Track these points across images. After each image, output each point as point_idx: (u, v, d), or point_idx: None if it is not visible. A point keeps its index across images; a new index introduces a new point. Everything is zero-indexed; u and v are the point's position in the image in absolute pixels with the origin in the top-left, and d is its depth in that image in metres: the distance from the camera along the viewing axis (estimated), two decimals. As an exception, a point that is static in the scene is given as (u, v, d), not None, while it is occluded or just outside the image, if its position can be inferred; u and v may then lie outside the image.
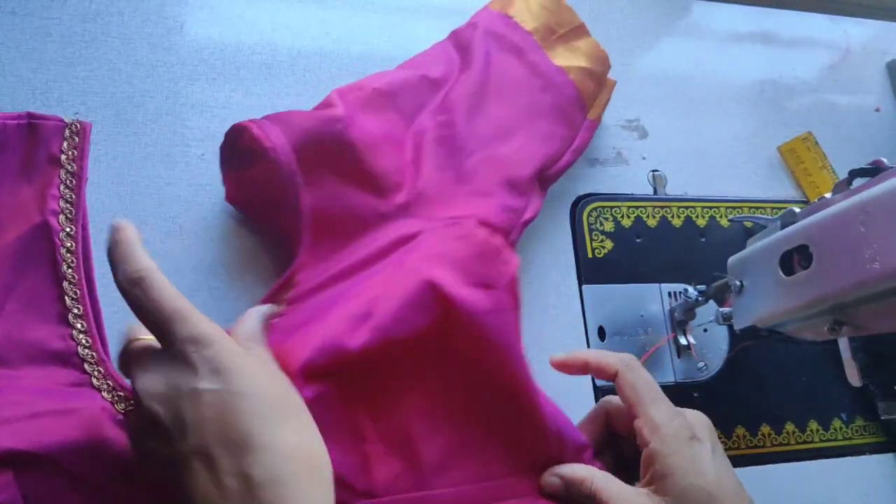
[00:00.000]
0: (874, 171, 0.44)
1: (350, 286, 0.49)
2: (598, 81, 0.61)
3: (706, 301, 0.57)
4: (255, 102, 0.57)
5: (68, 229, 0.46)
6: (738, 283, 0.51)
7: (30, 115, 0.47)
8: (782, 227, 0.49)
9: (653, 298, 0.61)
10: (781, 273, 0.47)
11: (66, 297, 0.45)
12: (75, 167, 0.48)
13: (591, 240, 0.62)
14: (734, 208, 0.67)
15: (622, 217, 0.63)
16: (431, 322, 0.46)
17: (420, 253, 0.48)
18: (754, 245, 0.51)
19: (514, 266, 0.47)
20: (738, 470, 0.58)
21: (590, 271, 0.61)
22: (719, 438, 0.58)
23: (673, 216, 0.65)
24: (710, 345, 0.61)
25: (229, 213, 0.53)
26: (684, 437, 0.44)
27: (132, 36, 0.56)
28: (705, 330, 0.61)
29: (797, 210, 0.49)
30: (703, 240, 0.65)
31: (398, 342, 0.45)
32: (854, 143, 0.75)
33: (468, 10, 0.61)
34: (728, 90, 0.73)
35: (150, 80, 0.55)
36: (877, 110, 0.78)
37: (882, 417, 0.62)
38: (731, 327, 0.56)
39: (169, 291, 0.36)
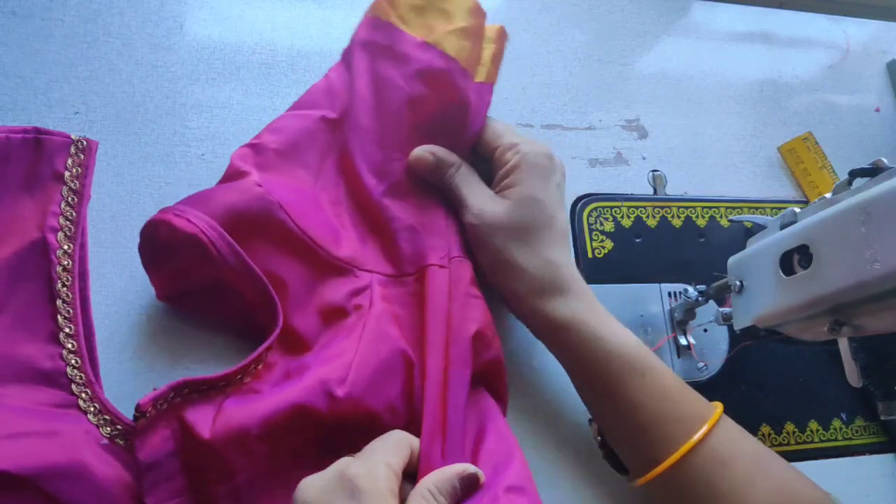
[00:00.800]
0: (874, 171, 0.44)
1: (316, 352, 0.48)
2: (473, 36, 0.55)
3: (706, 301, 0.57)
4: (255, 102, 0.57)
5: (66, 247, 0.46)
6: (737, 283, 0.51)
7: (37, 130, 0.47)
8: (782, 228, 0.49)
9: (653, 298, 0.61)
10: (781, 273, 0.47)
11: (59, 316, 0.44)
12: (78, 185, 0.48)
13: (591, 240, 0.62)
14: (734, 208, 0.67)
15: (622, 217, 0.63)
16: (403, 389, 0.47)
17: (383, 317, 0.48)
18: (754, 245, 0.51)
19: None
20: (737, 470, 0.58)
21: (590, 271, 0.61)
22: (719, 438, 0.58)
23: (673, 216, 0.65)
24: (710, 345, 0.61)
25: (229, 213, 0.53)
26: (541, 155, 0.51)
27: (132, 36, 0.56)
28: (705, 330, 0.61)
29: (797, 210, 0.49)
30: (703, 240, 0.65)
31: (373, 412, 0.45)
32: (854, 143, 0.75)
33: (468, 10, 0.61)
34: (728, 90, 0.73)
35: (150, 80, 0.55)
36: (877, 110, 0.78)
37: (882, 418, 0.61)
38: (730, 327, 0.56)
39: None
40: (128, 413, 0.44)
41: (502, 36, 0.57)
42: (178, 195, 0.53)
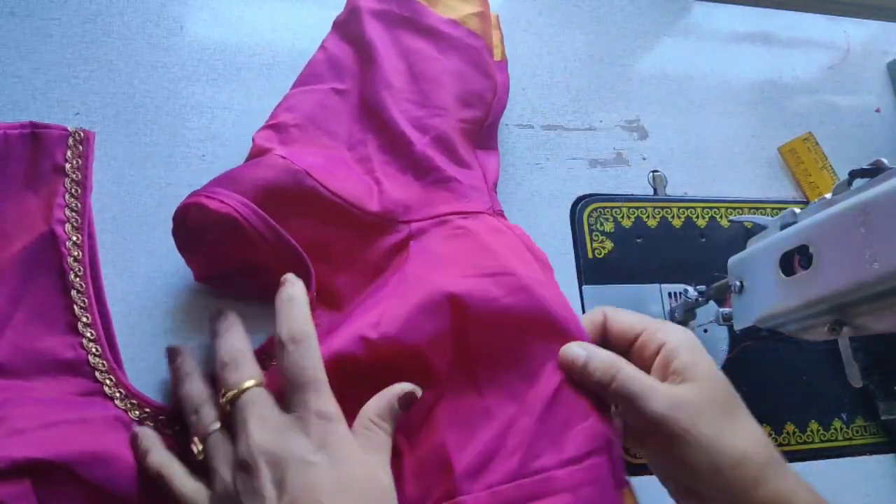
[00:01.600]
0: (874, 171, 0.44)
1: (355, 307, 0.49)
2: (488, 21, 0.59)
3: (706, 301, 0.57)
4: (256, 103, 0.57)
5: (75, 238, 0.46)
6: (738, 283, 0.51)
7: (33, 125, 0.48)
8: (782, 228, 0.49)
9: (653, 299, 0.61)
10: (781, 273, 0.47)
11: (75, 307, 0.45)
12: (80, 176, 0.48)
13: (592, 240, 0.62)
14: (734, 209, 0.67)
15: (622, 217, 0.63)
16: (446, 326, 0.46)
17: (421, 262, 0.49)
18: (754, 245, 0.51)
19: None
20: (738, 470, 0.58)
21: (590, 272, 0.61)
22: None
23: (673, 216, 0.65)
24: (711, 345, 0.61)
25: (230, 214, 0.53)
26: (688, 331, 0.46)
27: (132, 37, 0.56)
28: (705, 330, 0.61)
29: (797, 210, 0.49)
30: (704, 240, 0.65)
31: (414, 349, 0.45)
32: (854, 143, 0.75)
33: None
34: (728, 90, 0.73)
35: (150, 81, 0.55)
36: (877, 111, 0.78)
37: (882, 418, 0.62)
38: (731, 328, 0.56)
39: (318, 360, 0.40)
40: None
41: (499, 23, 0.61)
42: (179, 196, 0.52)
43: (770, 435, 0.60)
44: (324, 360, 0.42)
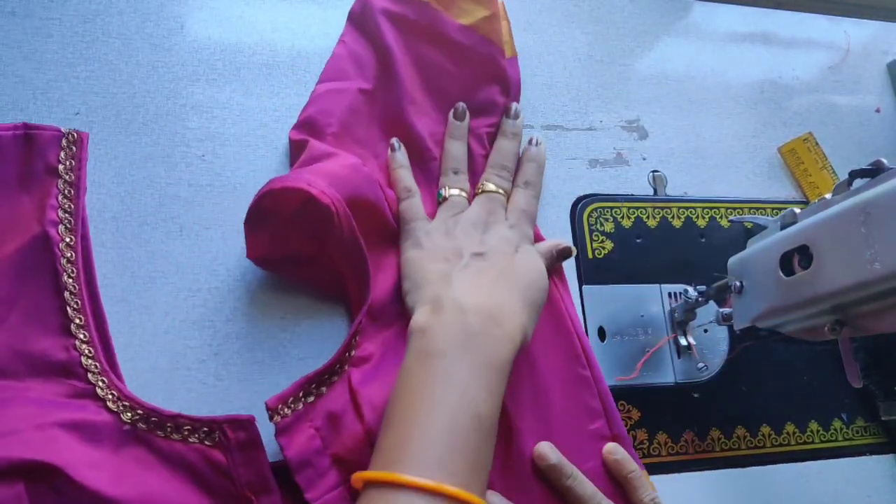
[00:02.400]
0: (874, 171, 0.44)
1: (402, 313, 0.51)
2: (499, 20, 0.60)
3: (706, 301, 0.57)
4: (256, 103, 0.57)
5: (68, 239, 0.46)
6: (738, 283, 0.51)
7: (26, 126, 0.47)
8: (782, 228, 0.49)
9: (653, 299, 0.61)
10: (781, 273, 0.47)
11: (68, 308, 0.45)
12: (73, 177, 0.48)
13: (592, 240, 0.62)
14: (734, 209, 0.67)
15: (622, 217, 0.63)
16: None
17: None
18: (754, 245, 0.51)
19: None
20: (738, 471, 0.58)
21: (590, 272, 0.61)
22: (719, 439, 0.58)
23: (673, 217, 0.65)
24: (711, 345, 0.61)
25: (229, 213, 0.53)
26: None
27: (132, 36, 0.56)
28: (705, 330, 0.61)
29: (797, 210, 0.49)
30: (704, 240, 0.65)
31: None
32: (854, 143, 0.75)
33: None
34: (728, 91, 0.73)
35: (150, 81, 0.55)
36: (877, 111, 0.78)
37: (882, 418, 0.62)
38: (731, 328, 0.56)
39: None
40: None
41: (505, 10, 0.62)
42: (179, 196, 0.53)
43: (770, 435, 0.60)
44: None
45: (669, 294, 0.62)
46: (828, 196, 0.47)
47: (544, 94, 0.66)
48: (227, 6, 0.59)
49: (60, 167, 0.48)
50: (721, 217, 0.66)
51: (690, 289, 0.58)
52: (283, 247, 0.51)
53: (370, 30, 0.59)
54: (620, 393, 0.57)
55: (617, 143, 0.66)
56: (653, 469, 0.56)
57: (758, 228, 0.53)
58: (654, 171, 0.66)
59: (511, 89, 0.60)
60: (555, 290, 0.56)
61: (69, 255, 0.46)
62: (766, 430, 0.60)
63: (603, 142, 0.66)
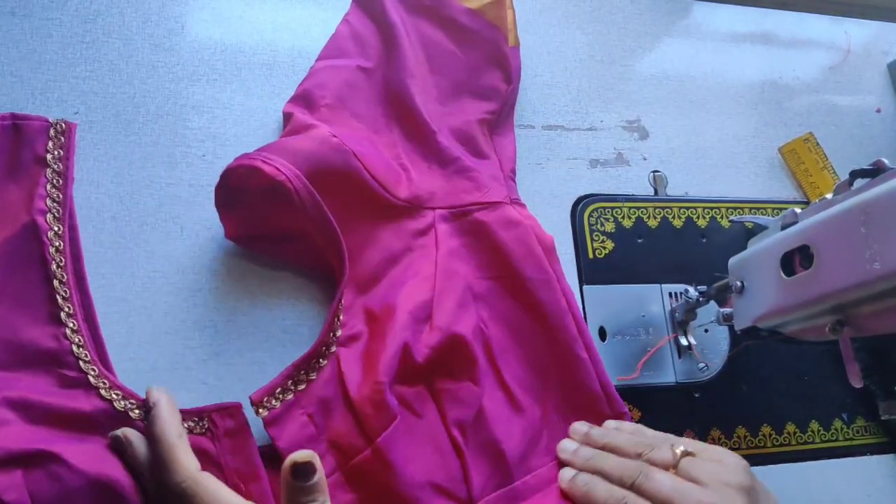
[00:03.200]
0: (875, 171, 0.44)
1: (390, 286, 0.51)
2: (506, 7, 0.61)
3: (707, 301, 0.57)
4: (256, 103, 0.57)
5: (56, 228, 0.46)
6: (738, 283, 0.51)
7: (13, 116, 0.47)
8: (783, 228, 0.49)
9: (654, 299, 0.61)
10: (782, 273, 0.47)
11: (57, 297, 0.45)
12: (61, 167, 0.48)
13: (592, 240, 0.62)
14: (735, 209, 0.67)
15: (623, 218, 0.63)
16: (475, 321, 0.51)
17: (448, 251, 0.53)
18: (755, 245, 0.51)
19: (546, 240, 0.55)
20: (738, 470, 0.58)
21: (591, 272, 0.60)
22: (720, 439, 0.58)
23: (674, 217, 0.65)
24: (711, 345, 0.61)
25: (230, 214, 0.53)
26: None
27: (133, 36, 0.56)
28: (706, 330, 0.61)
29: (798, 210, 0.49)
30: (704, 240, 0.65)
31: (462, 340, 0.49)
32: (855, 143, 0.75)
33: (469, 10, 0.61)
34: (729, 91, 0.73)
35: (150, 81, 0.55)
36: (878, 111, 0.77)
37: (883, 418, 0.61)
38: (731, 328, 0.56)
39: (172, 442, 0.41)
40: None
41: (511, 2, 0.62)
42: (179, 196, 0.53)
43: (771, 435, 0.60)
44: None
45: (670, 294, 0.61)
46: (828, 196, 0.46)
47: (545, 94, 0.66)
48: (228, 6, 0.59)
49: (48, 156, 0.48)
50: (722, 217, 0.66)
51: (691, 289, 0.58)
52: (262, 225, 0.51)
53: (376, 10, 0.59)
54: (621, 393, 0.57)
55: (617, 143, 0.66)
56: (653, 469, 0.56)
57: (758, 228, 0.53)
58: (654, 171, 0.66)
59: (513, 78, 0.60)
60: (550, 271, 0.55)
61: (57, 244, 0.46)
62: (766, 429, 0.60)
63: (603, 142, 0.66)
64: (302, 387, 0.46)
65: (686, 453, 0.46)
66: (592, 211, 0.62)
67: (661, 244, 0.63)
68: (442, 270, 0.52)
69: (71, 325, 0.44)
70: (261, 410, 0.45)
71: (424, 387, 0.49)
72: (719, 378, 0.60)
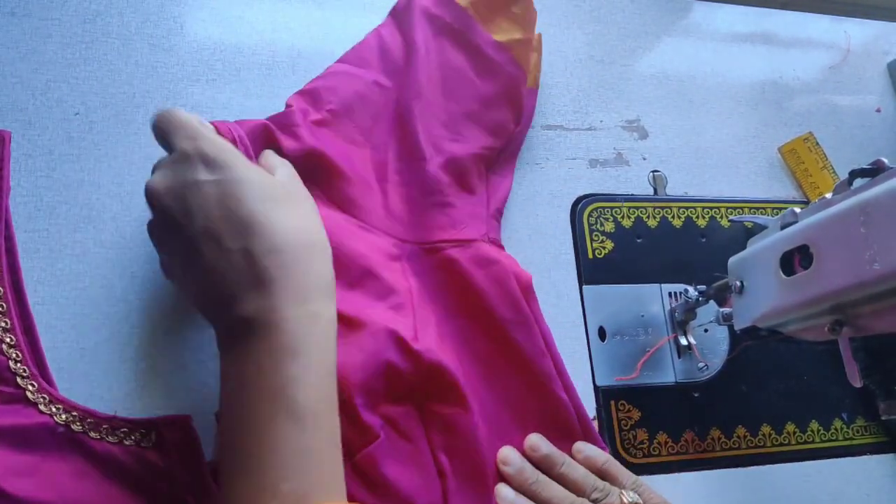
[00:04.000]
0: (875, 171, 0.44)
1: (365, 297, 0.50)
2: (532, 48, 0.61)
3: (707, 301, 0.57)
4: (256, 103, 0.57)
5: None
6: (738, 283, 0.51)
7: None
8: (783, 228, 0.49)
9: (653, 299, 0.61)
10: (782, 273, 0.47)
11: None
12: None
13: (592, 240, 0.62)
14: (735, 209, 0.67)
15: (622, 217, 0.63)
16: (455, 354, 0.51)
17: (422, 284, 0.53)
18: (755, 245, 0.51)
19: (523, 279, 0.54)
20: (738, 470, 0.58)
21: (590, 272, 0.60)
22: (720, 439, 0.58)
23: (673, 216, 0.65)
24: (711, 345, 0.61)
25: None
26: None
27: (132, 37, 0.56)
28: (706, 330, 0.61)
29: (798, 210, 0.49)
30: (704, 240, 0.65)
31: (444, 367, 0.48)
32: (855, 143, 0.75)
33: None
34: (729, 90, 0.73)
35: (150, 81, 0.55)
36: (878, 111, 0.77)
37: (883, 418, 0.61)
38: (731, 327, 0.56)
39: (181, 114, 0.41)
40: (132, 411, 0.44)
41: (540, 43, 0.63)
42: (178, 196, 0.53)
43: (770, 435, 0.60)
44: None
45: (670, 294, 0.61)
46: (828, 196, 0.46)
47: (545, 94, 0.66)
48: (227, 7, 0.59)
49: None
50: (721, 217, 0.66)
51: (691, 289, 0.58)
52: None
53: (406, 25, 0.58)
54: (620, 393, 0.57)
55: (617, 142, 0.66)
56: (653, 469, 0.56)
57: (758, 228, 0.53)
58: (654, 171, 0.66)
59: (523, 120, 0.60)
60: (527, 311, 0.54)
61: None
62: (766, 429, 0.60)
63: (603, 142, 0.66)
64: None
65: None
66: (592, 211, 0.62)
67: (661, 244, 0.63)
68: (419, 300, 0.51)
69: (8, 340, 0.43)
70: None
71: (413, 407, 0.49)
72: (719, 378, 0.60)
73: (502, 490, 0.49)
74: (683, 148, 0.68)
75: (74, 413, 0.42)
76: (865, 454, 0.62)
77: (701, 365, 0.60)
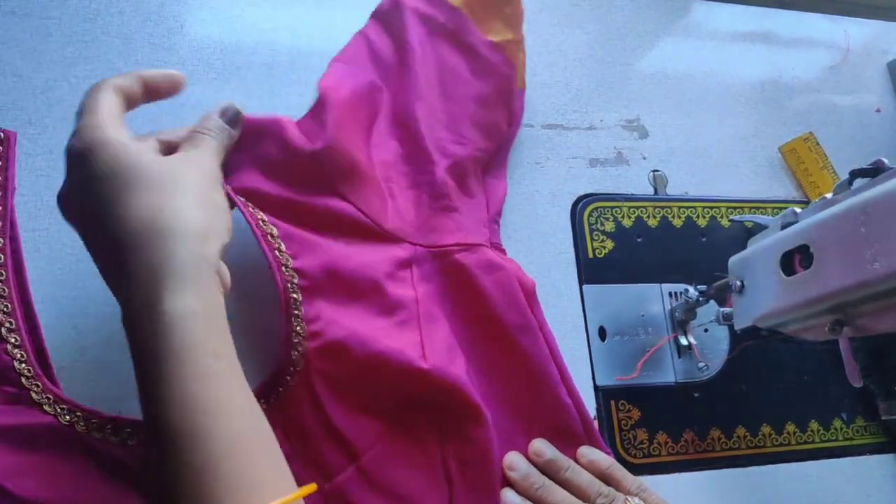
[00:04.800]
0: (875, 171, 0.44)
1: (369, 309, 0.49)
2: (521, 48, 0.60)
3: (707, 301, 0.57)
4: (256, 103, 0.57)
5: None
6: (738, 283, 0.51)
7: None
8: (783, 228, 0.49)
9: (653, 298, 0.61)
10: (782, 273, 0.47)
11: None
12: (1, 178, 0.46)
13: (592, 240, 0.62)
14: (735, 208, 0.67)
15: (623, 217, 0.63)
16: (465, 367, 0.50)
17: (430, 292, 0.52)
18: (755, 245, 0.51)
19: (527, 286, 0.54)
20: (738, 470, 0.58)
21: (590, 271, 0.60)
22: (720, 439, 0.58)
23: (674, 216, 0.65)
24: (711, 345, 0.61)
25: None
26: None
27: (132, 36, 0.56)
28: (706, 330, 0.61)
29: (798, 210, 0.49)
30: (704, 240, 0.65)
31: (455, 384, 0.48)
32: (855, 143, 0.75)
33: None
34: (729, 90, 0.73)
35: (150, 80, 0.55)
36: (877, 111, 0.77)
37: (883, 417, 0.61)
38: (731, 327, 0.56)
39: (89, 100, 0.40)
40: (135, 411, 0.44)
41: (524, 46, 0.61)
42: (179, 195, 0.52)
43: (770, 435, 0.60)
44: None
45: (670, 293, 0.61)
46: (828, 196, 0.47)
47: (544, 93, 0.66)
48: (227, 6, 0.59)
49: None
50: (722, 216, 0.66)
51: (691, 288, 0.58)
52: None
53: (395, 26, 0.57)
54: (620, 392, 0.57)
55: (617, 142, 0.66)
56: (653, 469, 0.56)
57: (758, 228, 0.53)
58: (654, 171, 0.66)
59: (514, 120, 0.60)
60: (532, 318, 0.53)
61: None
62: (766, 429, 0.60)
63: (603, 141, 0.66)
64: (274, 405, 0.45)
65: None
66: (592, 210, 0.62)
67: (661, 244, 0.63)
68: (424, 313, 0.51)
69: (13, 339, 0.43)
70: None
71: (427, 414, 0.49)
72: (719, 378, 0.60)
73: (507, 495, 0.49)
74: (683, 147, 0.68)
75: (78, 413, 0.42)
76: (865, 454, 0.62)
77: (701, 365, 0.60)
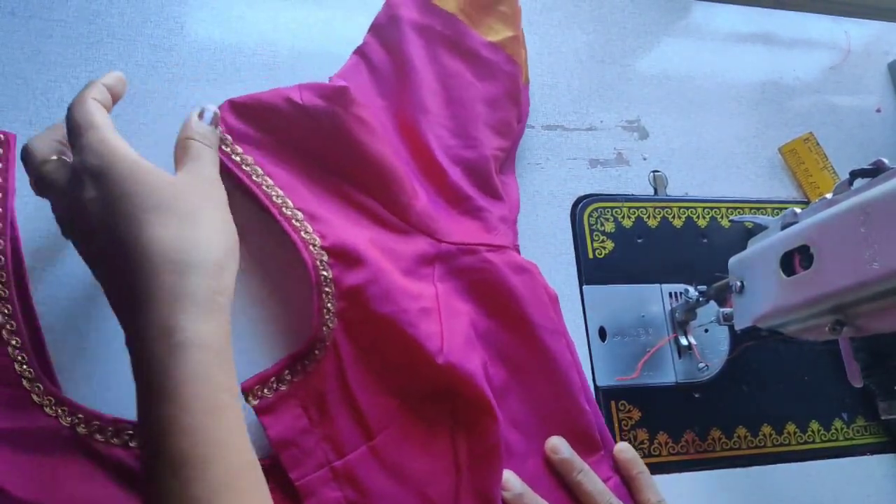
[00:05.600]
0: (875, 171, 0.44)
1: (392, 294, 0.49)
2: (521, 44, 0.60)
3: (707, 301, 0.57)
4: (256, 103, 0.57)
5: None
6: (738, 283, 0.51)
7: None
8: (783, 228, 0.49)
9: (654, 299, 0.61)
10: (782, 273, 0.47)
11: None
12: (1, 180, 0.46)
13: (592, 240, 0.62)
14: (735, 209, 0.67)
15: (623, 217, 0.63)
16: (482, 360, 0.50)
17: (455, 288, 0.52)
18: (755, 245, 0.51)
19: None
20: (738, 470, 0.58)
21: (590, 272, 0.61)
22: (720, 439, 0.58)
23: (674, 217, 0.65)
24: (711, 345, 0.61)
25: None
26: None
27: (133, 37, 0.56)
28: (706, 330, 0.61)
29: (798, 210, 0.49)
30: (704, 240, 0.65)
31: (470, 377, 0.48)
32: (855, 143, 0.75)
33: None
34: (729, 91, 0.73)
35: (150, 81, 0.55)
36: (878, 111, 0.77)
37: (883, 417, 0.61)
38: (731, 328, 0.56)
39: (77, 112, 0.41)
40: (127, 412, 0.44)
41: (524, 41, 0.61)
42: (179, 196, 0.52)
43: (771, 435, 0.60)
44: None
45: (670, 294, 0.62)
46: (828, 196, 0.47)
47: (545, 94, 0.66)
48: (228, 7, 0.59)
49: None
50: (722, 217, 0.66)
51: (691, 289, 0.58)
52: None
53: (393, 40, 0.57)
54: (621, 393, 0.57)
55: (617, 142, 0.66)
56: (653, 469, 0.56)
57: (758, 228, 0.53)
58: (654, 171, 0.66)
59: (523, 117, 0.60)
60: (557, 322, 0.54)
61: None
62: (766, 429, 0.60)
63: (603, 142, 0.66)
64: (298, 378, 0.46)
65: None
66: (592, 211, 0.63)
67: (661, 244, 0.63)
68: (444, 307, 0.51)
69: (14, 342, 0.43)
70: (250, 399, 0.44)
71: (440, 403, 0.49)
72: (719, 378, 0.60)
73: (511, 479, 0.48)
74: (684, 148, 0.68)
75: (80, 415, 0.42)
76: (866, 454, 0.62)
77: (701, 365, 0.60)
